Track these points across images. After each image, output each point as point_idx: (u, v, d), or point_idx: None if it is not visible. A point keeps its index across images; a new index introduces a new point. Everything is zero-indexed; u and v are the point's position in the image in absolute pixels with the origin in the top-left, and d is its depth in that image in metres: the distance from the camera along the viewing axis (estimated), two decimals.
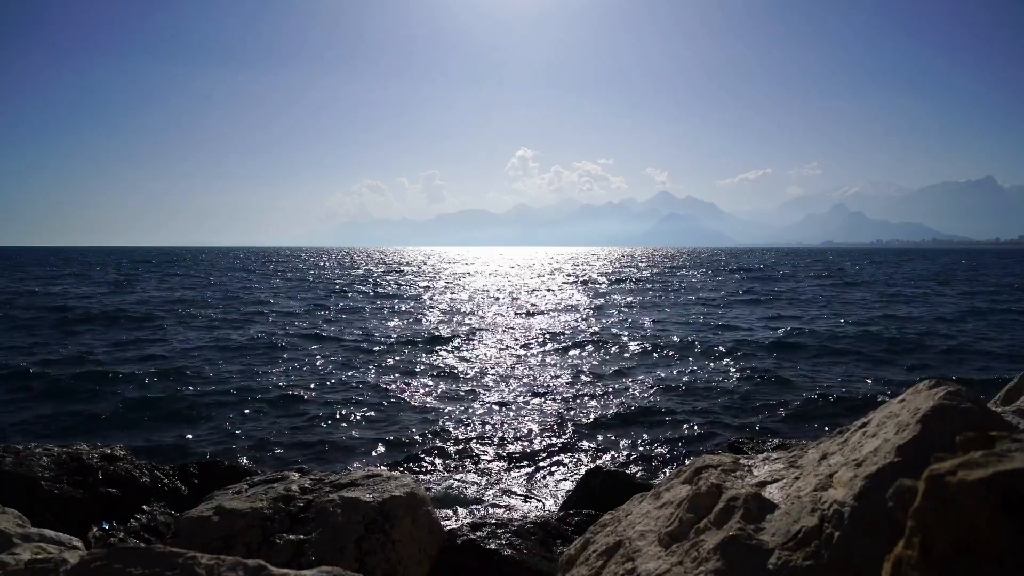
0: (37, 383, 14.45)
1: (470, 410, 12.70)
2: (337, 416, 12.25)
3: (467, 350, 19.57)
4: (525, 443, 10.66)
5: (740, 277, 60.90)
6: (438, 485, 8.92)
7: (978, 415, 2.45)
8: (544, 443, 10.68)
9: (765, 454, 3.27)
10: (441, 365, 17.18)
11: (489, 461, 9.87)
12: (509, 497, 8.57)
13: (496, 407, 12.90)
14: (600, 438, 11.01)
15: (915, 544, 1.11)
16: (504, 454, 10.18)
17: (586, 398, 13.66)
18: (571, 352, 19.25)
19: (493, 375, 15.95)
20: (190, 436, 11.02)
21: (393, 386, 14.79)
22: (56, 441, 7.45)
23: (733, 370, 16.41)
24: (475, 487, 8.90)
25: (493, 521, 4.68)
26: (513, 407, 12.90)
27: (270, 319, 26.93)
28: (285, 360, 17.73)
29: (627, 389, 14.41)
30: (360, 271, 74.41)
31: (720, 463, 3.16)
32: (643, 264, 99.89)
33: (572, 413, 12.46)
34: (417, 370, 16.53)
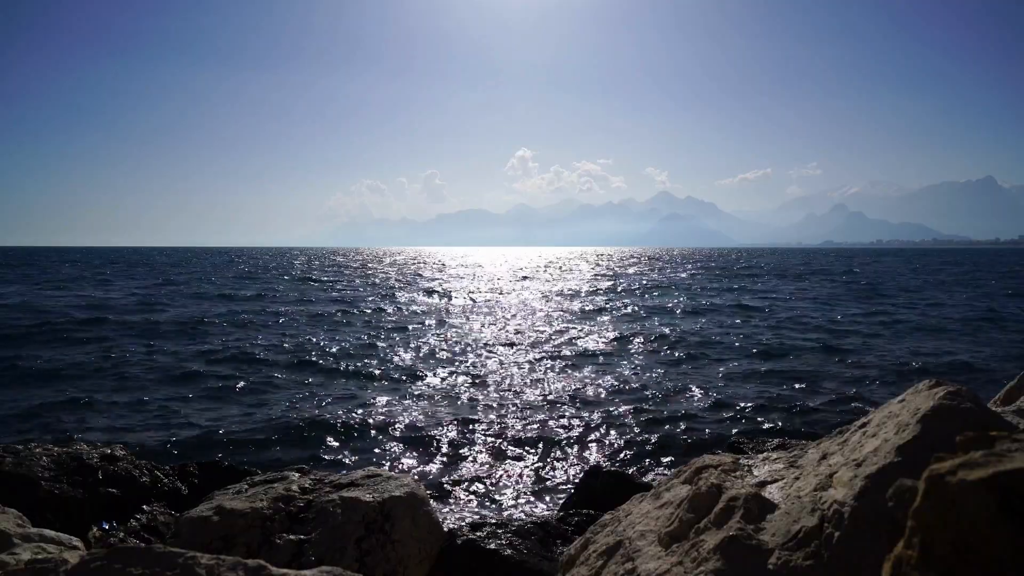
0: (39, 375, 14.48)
1: (470, 410, 12.70)
2: (337, 416, 12.25)
3: (468, 351, 19.56)
4: (525, 443, 10.66)
5: (746, 278, 60.90)
6: (438, 485, 8.92)
7: (978, 415, 2.44)
8: (544, 443, 10.67)
9: (765, 454, 3.27)
10: (441, 366, 17.18)
11: (489, 461, 9.87)
12: (509, 497, 8.57)
13: (496, 407, 12.90)
14: (600, 438, 11.01)
15: (915, 544, 1.11)
16: (504, 454, 10.18)
17: (586, 398, 13.66)
18: (572, 353, 19.25)
19: (493, 376, 15.94)
20: (190, 436, 11.01)
21: (393, 386, 14.79)
22: (56, 440, 7.45)
23: (734, 371, 16.41)
24: (475, 487, 8.90)
25: (493, 521, 4.68)
26: (513, 407, 12.90)
27: (270, 319, 26.94)
28: (285, 359, 17.72)
29: (628, 389, 14.41)
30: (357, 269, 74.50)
31: (720, 463, 3.15)
32: (642, 264, 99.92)
33: (572, 413, 12.46)
34: (417, 370, 16.52)
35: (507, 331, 23.66)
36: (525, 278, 61.28)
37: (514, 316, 28.76)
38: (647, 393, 14.05)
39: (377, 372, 16.26)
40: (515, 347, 20.07)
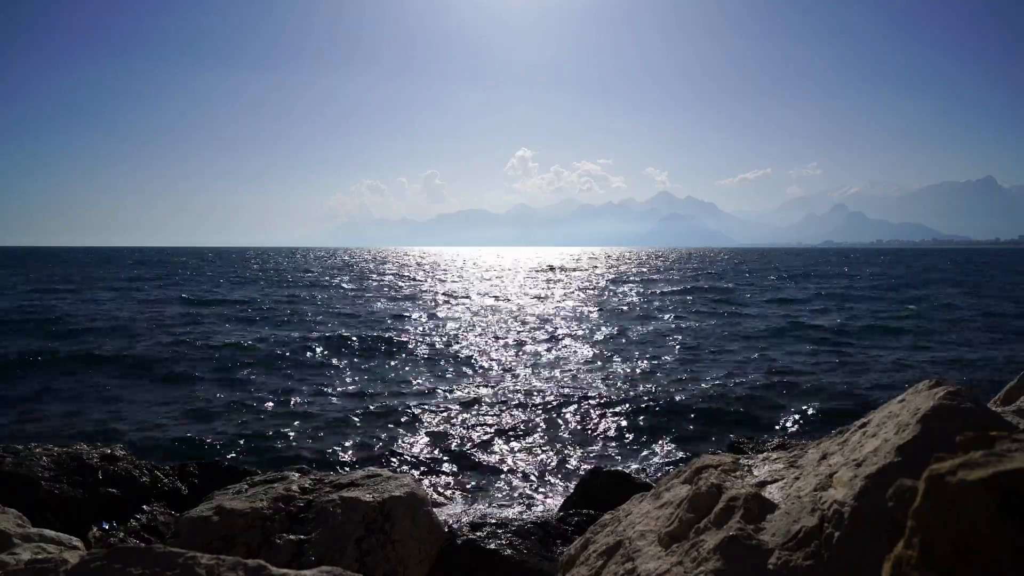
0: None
1: (470, 410, 12.69)
2: (337, 417, 12.24)
3: (467, 351, 19.55)
4: (525, 443, 10.66)
5: (747, 278, 60.91)
6: (438, 485, 8.92)
7: (978, 415, 2.44)
8: (544, 443, 10.67)
9: (765, 454, 3.27)
10: (441, 366, 17.17)
11: (489, 461, 9.87)
12: (509, 497, 8.57)
13: (496, 407, 12.90)
14: (600, 438, 11.00)
15: (915, 544, 1.11)
16: (504, 454, 10.18)
17: (586, 398, 13.65)
18: (571, 353, 19.25)
19: (493, 376, 15.94)
20: (190, 436, 11.01)
21: (393, 386, 14.78)
22: (56, 441, 7.44)
23: (733, 370, 16.40)
24: (475, 487, 8.89)
25: (493, 521, 4.68)
26: (513, 407, 12.90)
27: (270, 315, 26.93)
28: (285, 360, 17.72)
29: (627, 389, 14.40)
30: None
31: (720, 463, 3.15)
32: (644, 265, 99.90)
33: (572, 413, 12.45)
34: (417, 370, 16.52)
35: (508, 332, 23.65)
36: (534, 277, 61.33)
37: (515, 317, 28.75)
38: (647, 393, 14.03)
39: (377, 373, 16.25)
40: (516, 348, 20.06)
